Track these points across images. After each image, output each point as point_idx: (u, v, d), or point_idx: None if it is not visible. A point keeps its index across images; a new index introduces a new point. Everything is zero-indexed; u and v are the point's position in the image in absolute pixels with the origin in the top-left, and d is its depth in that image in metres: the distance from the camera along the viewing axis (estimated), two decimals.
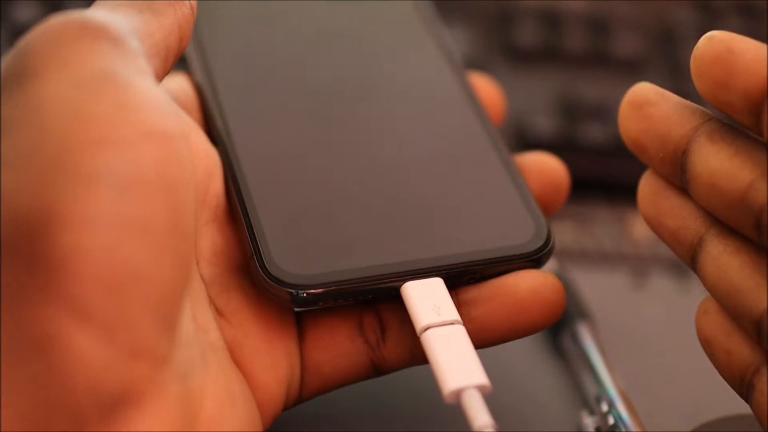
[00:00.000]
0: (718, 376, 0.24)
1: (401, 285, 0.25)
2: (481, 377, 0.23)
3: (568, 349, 0.31)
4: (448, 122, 0.29)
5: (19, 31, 0.40)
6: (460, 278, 0.26)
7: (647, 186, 0.25)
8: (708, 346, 0.24)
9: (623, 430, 0.28)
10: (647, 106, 0.24)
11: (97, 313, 0.19)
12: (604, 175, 0.40)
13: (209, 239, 0.26)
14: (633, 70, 0.43)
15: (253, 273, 0.25)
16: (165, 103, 0.21)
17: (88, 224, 0.19)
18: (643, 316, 0.34)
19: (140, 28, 0.22)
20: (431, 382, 0.23)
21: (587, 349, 0.31)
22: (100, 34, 0.21)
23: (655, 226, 0.25)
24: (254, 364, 0.24)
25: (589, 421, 0.29)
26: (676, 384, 0.31)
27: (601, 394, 0.29)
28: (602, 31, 0.44)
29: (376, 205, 0.26)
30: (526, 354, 0.27)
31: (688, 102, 0.24)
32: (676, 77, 0.43)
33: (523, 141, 0.40)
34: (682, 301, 0.35)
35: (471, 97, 0.30)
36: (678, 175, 0.24)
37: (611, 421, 0.28)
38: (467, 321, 0.25)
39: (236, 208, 0.26)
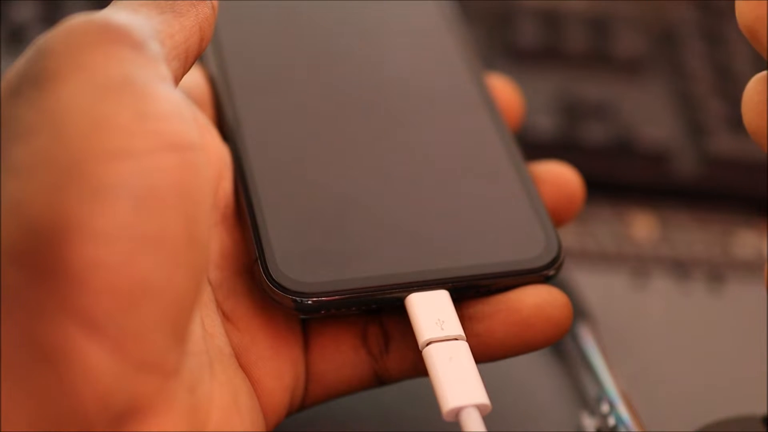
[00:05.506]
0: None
1: (406, 296, 0.25)
2: (480, 396, 0.23)
3: (569, 349, 0.31)
4: (462, 129, 0.29)
5: (18, 31, 0.40)
6: (466, 291, 0.25)
7: (757, 86, 0.23)
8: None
9: (624, 431, 0.28)
10: None
11: (108, 326, 0.19)
12: (605, 175, 0.40)
13: (217, 241, 0.25)
14: (634, 70, 0.43)
15: (257, 278, 0.25)
16: (184, 111, 0.21)
17: (102, 237, 0.19)
18: (644, 317, 0.34)
19: (161, 30, 0.22)
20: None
21: (588, 350, 0.31)
22: (121, 37, 0.21)
23: (758, 137, 0.23)
24: (260, 371, 0.24)
25: (589, 422, 0.29)
26: (677, 385, 0.31)
27: (602, 395, 0.29)
28: (603, 31, 0.44)
29: (385, 214, 0.26)
30: (527, 354, 0.27)
31: None
32: (677, 77, 0.43)
33: (524, 141, 0.40)
34: (682, 302, 0.35)
35: (488, 102, 0.30)
36: None
37: (612, 422, 0.28)
38: (471, 336, 0.25)
39: (243, 210, 0.26)
